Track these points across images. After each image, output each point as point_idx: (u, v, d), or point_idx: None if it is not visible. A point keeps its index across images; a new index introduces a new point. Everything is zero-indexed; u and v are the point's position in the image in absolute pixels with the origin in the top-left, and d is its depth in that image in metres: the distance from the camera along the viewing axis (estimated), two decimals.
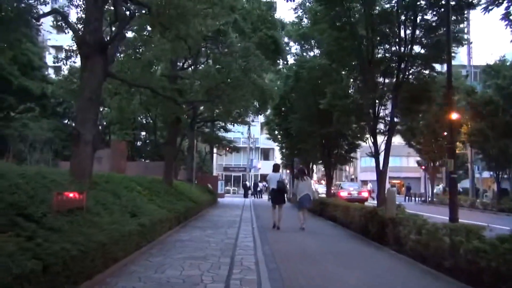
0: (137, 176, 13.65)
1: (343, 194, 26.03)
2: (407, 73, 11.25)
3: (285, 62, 22.74)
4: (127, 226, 6.76)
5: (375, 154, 11.54)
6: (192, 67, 11.70)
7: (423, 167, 36.79)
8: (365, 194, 27.42)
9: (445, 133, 31.14)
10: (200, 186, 23.06)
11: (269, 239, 9.97)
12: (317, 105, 18.90)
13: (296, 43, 23.14)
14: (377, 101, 11.54)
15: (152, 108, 14.29)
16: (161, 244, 8.54)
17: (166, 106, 13.65)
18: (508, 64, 24.59)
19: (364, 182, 51.53)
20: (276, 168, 12.57)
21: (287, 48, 23.72)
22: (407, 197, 41.19)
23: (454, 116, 8.83)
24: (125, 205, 7.87)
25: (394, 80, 11.36)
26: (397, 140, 60.75)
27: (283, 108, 26.38)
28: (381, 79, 12.37)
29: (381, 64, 11.77)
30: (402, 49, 11.26)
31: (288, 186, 35.89)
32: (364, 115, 12.07)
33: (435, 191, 35.91)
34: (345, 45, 11.88)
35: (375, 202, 16.15)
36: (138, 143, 28.84)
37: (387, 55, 11.59)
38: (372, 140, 11.67)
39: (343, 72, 13.42)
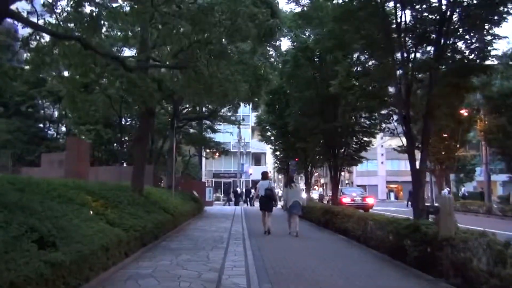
0: (93, 182, 10.55)
1: (346, 200, 23.10)
2: (451, 38, 8.29)
3: (277, 51, 19.73)
4: (22, 270, 3.66)
5: (408, 147, 8.56)
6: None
7: (429, 169, 33.97)
8: (370, 201, 24.46)
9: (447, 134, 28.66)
10: (183, 193, 19.94)
11: (269, 270, 6.89)
12: (320, 96, 16.04)
13: (292, 32, 20.16)
14: (409, 77, 8.56)
15: (114, 96, 11.13)
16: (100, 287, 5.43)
17: (133, 93, 10.54)
18: None
19: (363, 188, 48.66)
20: (264, 176, 12.78)
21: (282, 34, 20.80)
22: (409, 203, 38.41)
23: None
24: (36, 226, 4.74)
25: (433, 49, 8.39)
26: (394, 142, 58.52)
27: (277, 106, 23.47)
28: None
29: (414, 30, 8.79)
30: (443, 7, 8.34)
31: (280, 193, 32.98)
32: (392, 98, 9.10)
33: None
34: (363, 5, 8.91)
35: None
36: (115, 145, 25.55)
37: (423, 15, 8.59)
38: (405, 130, 8.67)
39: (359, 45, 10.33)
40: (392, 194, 59.99)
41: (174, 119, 18.71)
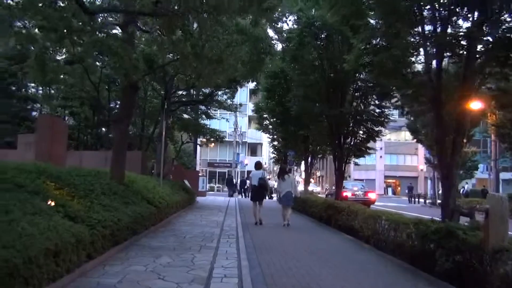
0: (63, 167, 9.07)
1: (347, 194, 21.78)
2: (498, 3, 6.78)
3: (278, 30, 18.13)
4: None
5: (439, 136, 7.10)
6: None
7: (432, 164, 32.56)
8: (372, 196, 23.13)
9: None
10: (173, 182, 18.46)
11: (268, 280, 5.44)
12: (326, 80, 14.55)
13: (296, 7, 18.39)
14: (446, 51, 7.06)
15: (90, 67, 9.56)
16: None
17: (115, 63, 9.03)
18: None
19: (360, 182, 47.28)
20: (258, 165, 12.88)
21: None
22: (410, 198, 37.16)
23: None
24: None
25: (477, 14, 6.88)
26: (392, 137, 56.96)
27: (277, 91, 21.89)
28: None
29: None
30: None
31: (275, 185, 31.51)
32: (419, 76, 7.61)
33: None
34: None
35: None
36: (103, 128, 23.92)
37: None
38: (435, 115, 7.20)
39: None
40: (390, 189, 58.82)
41: (165, 100, 17.18)
